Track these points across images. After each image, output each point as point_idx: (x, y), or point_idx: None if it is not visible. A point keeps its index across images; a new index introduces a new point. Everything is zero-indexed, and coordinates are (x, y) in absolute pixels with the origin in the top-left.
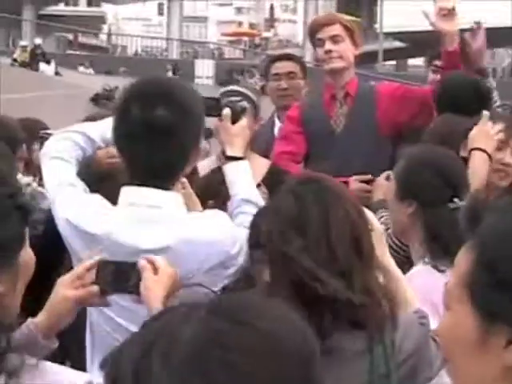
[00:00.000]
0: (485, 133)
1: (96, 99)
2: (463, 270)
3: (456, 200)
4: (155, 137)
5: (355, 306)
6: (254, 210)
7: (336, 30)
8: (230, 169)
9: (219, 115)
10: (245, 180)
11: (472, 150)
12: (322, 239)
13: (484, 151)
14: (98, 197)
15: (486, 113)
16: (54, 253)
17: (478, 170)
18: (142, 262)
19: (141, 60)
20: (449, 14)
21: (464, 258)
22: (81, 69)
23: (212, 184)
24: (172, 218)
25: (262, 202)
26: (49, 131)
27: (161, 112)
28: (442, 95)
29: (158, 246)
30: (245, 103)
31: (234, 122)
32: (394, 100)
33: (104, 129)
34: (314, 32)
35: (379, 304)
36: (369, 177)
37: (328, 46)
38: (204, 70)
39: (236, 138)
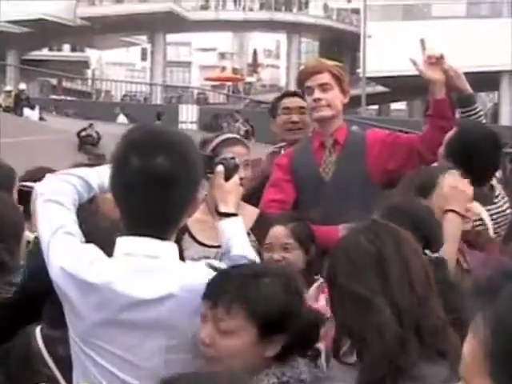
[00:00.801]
0: (458, 192)
1: (80, 144)
2: (480, 341)
3: (427, 252)
4: (154, 187)
5: (437, 333)
6: None
7: (325, 78)
8: (224, 225)
9: (212, 172)
10: (240, 237)
11: (445, 211)
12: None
13: (457, 213)
14: (93, 246)
15: (454, 171)
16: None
17: (451, 234)
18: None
19: (125, 106)
20: (437, 62)
21: (480, 329)
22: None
23: None
24: (170, 267)
25: (255, 258)
26: (29, 184)
27: (160, 161)
28: (455, 143)
29: (159, 295)
30: (237, 160)
31: (227, 178)
32: (384, 148)
33: (102, 175)
34: (303, 80)
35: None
36: None
37: (317, 94)
38: (188, 114)
39: (229, 195)
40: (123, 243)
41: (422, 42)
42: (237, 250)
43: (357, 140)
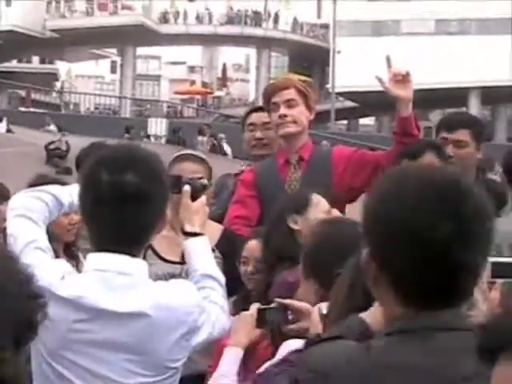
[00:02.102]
0: None
1: (48, 157)
2: None
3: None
4: (123, 203)
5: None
6: (216, 285)
7: (291, 94)
8: (189, 245)
9: (179, 192)
10: (205, 256)
11: None
12: None
13: None
14: (64, 261)
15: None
16: None
17: None
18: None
19: (94, 118)
20: (403, 79)
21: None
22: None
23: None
24: (143, 284)
25: (221, 277)
26: None
27: (129, 178)
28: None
29: (131, 310)
30: (205, 180)
31: (193, 199)
32: (350, 165)
33: (73, 194)
34: (269, 96)
35: None
36: None
37: (282, 110)
38: (157, 128)
39: (196, 215)
40: (94, 259)
41: (388, 59)
42: (202, 269)
43: (322, 157)
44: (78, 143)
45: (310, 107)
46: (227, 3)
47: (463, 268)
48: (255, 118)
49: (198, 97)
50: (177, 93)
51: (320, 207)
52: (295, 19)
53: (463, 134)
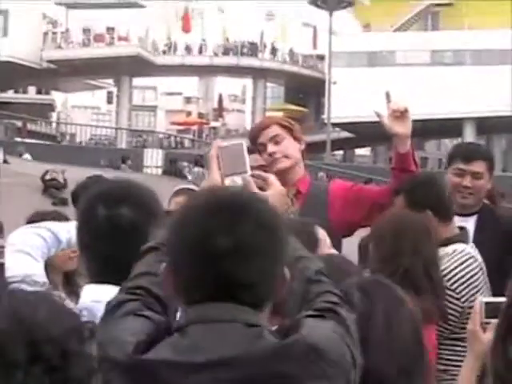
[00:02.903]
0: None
1: (45, 188)
2: None
3: None
4: (120, 235)
5: None
6: None
7: (274, 130)
8: None
9: None
10: None
11: None
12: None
13: None
14: (63, 296)
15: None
16: None
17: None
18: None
19: (90, 149)
20: (401, 116)
21: None
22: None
23: None
24: None
25: None
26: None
27: (126, 211)
28: None
29: None
30: None
31: None
32: (347, 201)
33: (71, 231)
34: (254, 139)
35: None
36: None
37: (270, 148)
38: (153, 159)
39: None
40: (91, 291)
41: (388, 94)
42: None
43: (320, 191)
44: (74, 174)
45: (297, 138)
46: (223, 34)
47: (239, 279)
48: (252, 160)
49: (194, 127)
50: (173, 123)
51: (326, 243)
52: (291, 50)
53: (480, 166)
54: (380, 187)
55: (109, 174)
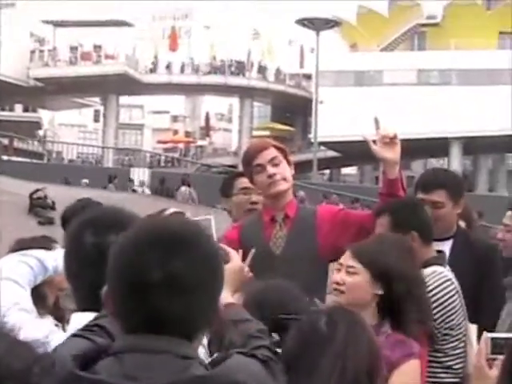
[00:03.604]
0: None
1: (31, 207)
2: None
3: (274, 335)
4: (105, 262)
5: None
6: None
7: (272, 153)
8: None
9: None
10: None
11: None
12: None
13: None
14: (49, 321)
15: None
16: None
17: None
18: None
19: (76, 168)
20: (390, 142)
21: None
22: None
23: None
24: None
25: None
26: None
27: (113, 239)
28: None
29: None
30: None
31: None
32: (335, 225)
33: (58, 259)
34: (251, 159)
35: None
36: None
37: (270, 169)
38: (140, 177)
39: None
40: (78, 319)
41: (376, 120)
42: None
43: (307, 215)
44: (60, 193)
45: (289, 162)
46: (210, 53)
47: (170, 312)
48: (247, 182)
49: (181, 146)
50: (160, 142)
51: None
52: (278, 69)
53: (439, 195)
54: (367, 212)
55: (95, 193)
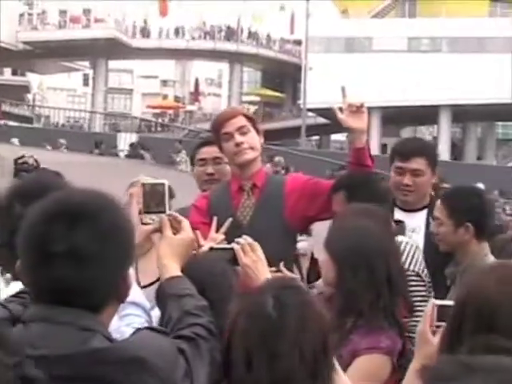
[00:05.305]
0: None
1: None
2: None
3: None
4: None
5: None
6: (139, 311)
7: (241, 121)
8: None
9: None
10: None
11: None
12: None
13: None
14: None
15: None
16: None
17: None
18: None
19: (64, 133)
20: (357, 111)
21: None
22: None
23: None
24: None
25: (145, 304)
26: None
27: None
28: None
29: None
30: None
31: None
32: (303, 196)
33: None
34: (218, 127)
35: None
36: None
37: (238, 138)
38: (126, 143)
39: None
40: (13, 287)
41: (343, 89)
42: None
43: (276, 185)
44: (45, 158)
45: (258, 131)
46: (200, 18)
47: (73, 284)
48: (206, 153)
49: (171, 111)
50: (149, 107)
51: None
52: (268, 35)
53: (419, 163)
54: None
55: (81, 157)
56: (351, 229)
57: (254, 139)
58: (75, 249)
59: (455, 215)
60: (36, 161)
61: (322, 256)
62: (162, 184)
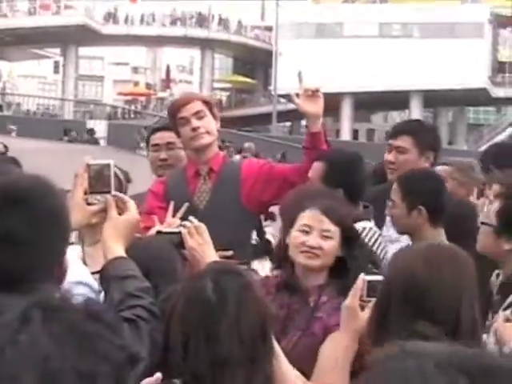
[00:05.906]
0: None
1: None
2: None
3: None
4: None
5: None
6: (86, 290)
7: (198, 106)
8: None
9: None
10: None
11: None
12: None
13: None
14: None
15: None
16: None
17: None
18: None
19: (34, 120)
20: (313, 95)
21: None
22: None
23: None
24: None
25: (93, 283)
26: None
27: None
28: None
29: None
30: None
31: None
32: (259, 179)
33: None
34: (175, 112)
35: None
36: (230, 253)
37: (194, 123)
38: (97, 130)
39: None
40: None
41: (300, 75)
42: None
43: (232, 170)
44: (16, 145)
45: (215, 116)
46: (171, 5)
47: (5, 265)
48: (159, 138)
49: (142, 98)
50: (120, 94)
51: None
52: (239, 21)
53: (404, 141)
54: (292, 165)
55: (48, 145)
56: None
57: (210, 124)
58: (10, 233)
59: (409, 198)
60: (6, 146)
61: None
62: (108, 165)
